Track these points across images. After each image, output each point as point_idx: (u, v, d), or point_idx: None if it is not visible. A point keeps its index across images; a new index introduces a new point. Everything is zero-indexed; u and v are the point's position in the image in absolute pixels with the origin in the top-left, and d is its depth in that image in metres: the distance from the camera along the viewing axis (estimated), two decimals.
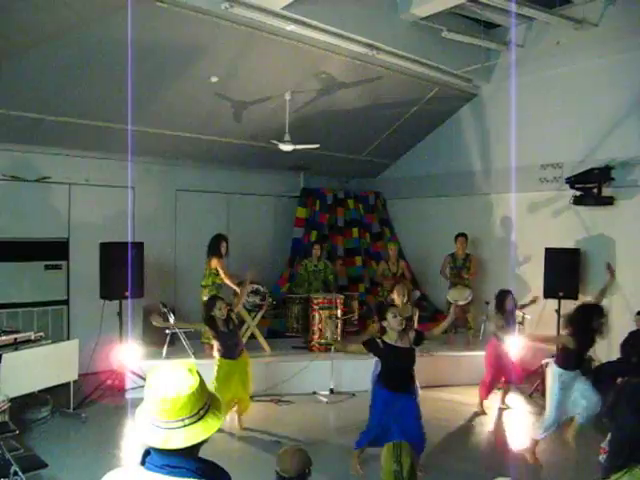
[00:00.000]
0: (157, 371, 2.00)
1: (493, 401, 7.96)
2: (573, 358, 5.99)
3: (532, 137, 9.62)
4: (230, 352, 6.79)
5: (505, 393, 7.98)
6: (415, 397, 5.73)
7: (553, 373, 6.14)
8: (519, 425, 7.46)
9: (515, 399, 8.18)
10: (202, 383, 1.99)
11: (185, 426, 1.92)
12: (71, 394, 7.37)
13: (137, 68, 6.97)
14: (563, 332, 6.25)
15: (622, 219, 8.60)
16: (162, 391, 1.92)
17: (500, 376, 7.74)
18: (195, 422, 1.94)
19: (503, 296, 7.66)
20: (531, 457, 6.22)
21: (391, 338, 5.50)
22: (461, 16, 8.87)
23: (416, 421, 5.48)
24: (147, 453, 1.99)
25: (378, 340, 5.53)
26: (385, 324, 5.51)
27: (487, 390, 7.81)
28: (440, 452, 5.94)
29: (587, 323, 5.79)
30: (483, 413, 7.78)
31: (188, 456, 1.95)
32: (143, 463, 1.98)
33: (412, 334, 5.61)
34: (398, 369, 5.59)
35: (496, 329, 7.69)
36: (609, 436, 4.85)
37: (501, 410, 7.87)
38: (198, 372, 2.02)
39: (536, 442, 6.26)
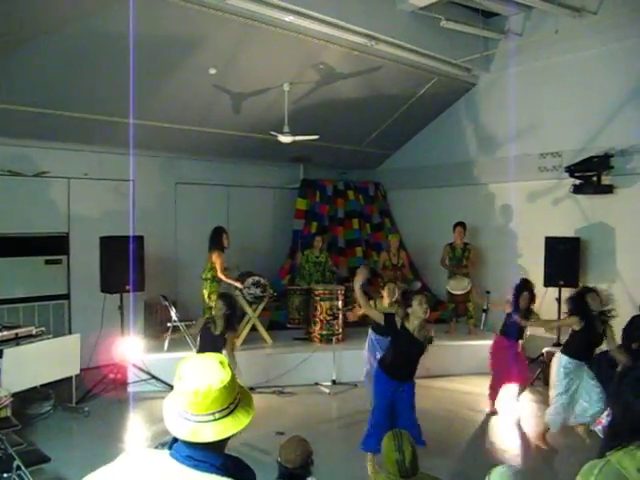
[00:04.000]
0: (188, 362, 1.97)
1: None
2: (580, 347, 6.03)
3: (531, 126, 9.61)
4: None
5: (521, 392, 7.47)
6: (414, 384, 5.67)
7: (558, 361, 6.14)
8: (522, 414, 7.41)
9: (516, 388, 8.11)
10: (233, 377, 1.96)
11: (215, 420, 1.89)
12: (73, 388, 7.40)
13: (135, 61, 6.93)
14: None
15: (621, 207, 8.60)
16: (194, 384, 1.88)
17: (508, 378, 7.30)
18: (225, 416, 1.92)
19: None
20: (541, 442, 6.26)
21: (411, 326, 5.44)
22: (459, 5, 8.84)
23: (411, 414, 5.51)
24: (175, 439, 1.96)
25: (398, 319, 5.48)
26: (409, 311, 5.40)
27: (496, 394, 7.43)
28: (442, 440, 5.95)
29: (582, 300, 6.01)
30: (494, 413, 7.43)
31: (214, 450, 1.92)
32: (170, 448, 1.96)
33: (428, 332, 5.51)
34: (407, 358, 5.55)
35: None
36: (607, 410, 4.90)
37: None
38: (229, 365, 1.99)
39: (546, 429, 6.27)
